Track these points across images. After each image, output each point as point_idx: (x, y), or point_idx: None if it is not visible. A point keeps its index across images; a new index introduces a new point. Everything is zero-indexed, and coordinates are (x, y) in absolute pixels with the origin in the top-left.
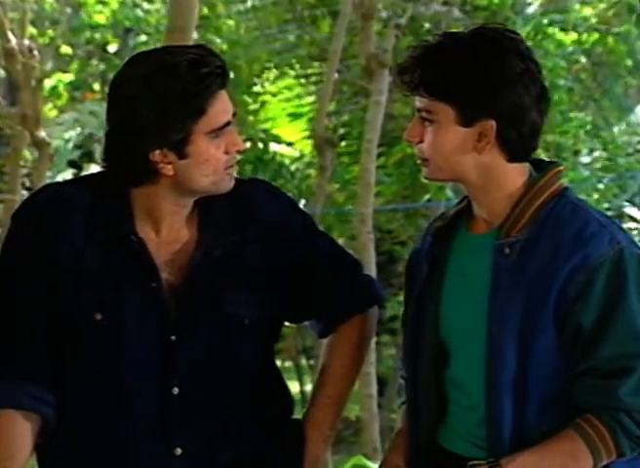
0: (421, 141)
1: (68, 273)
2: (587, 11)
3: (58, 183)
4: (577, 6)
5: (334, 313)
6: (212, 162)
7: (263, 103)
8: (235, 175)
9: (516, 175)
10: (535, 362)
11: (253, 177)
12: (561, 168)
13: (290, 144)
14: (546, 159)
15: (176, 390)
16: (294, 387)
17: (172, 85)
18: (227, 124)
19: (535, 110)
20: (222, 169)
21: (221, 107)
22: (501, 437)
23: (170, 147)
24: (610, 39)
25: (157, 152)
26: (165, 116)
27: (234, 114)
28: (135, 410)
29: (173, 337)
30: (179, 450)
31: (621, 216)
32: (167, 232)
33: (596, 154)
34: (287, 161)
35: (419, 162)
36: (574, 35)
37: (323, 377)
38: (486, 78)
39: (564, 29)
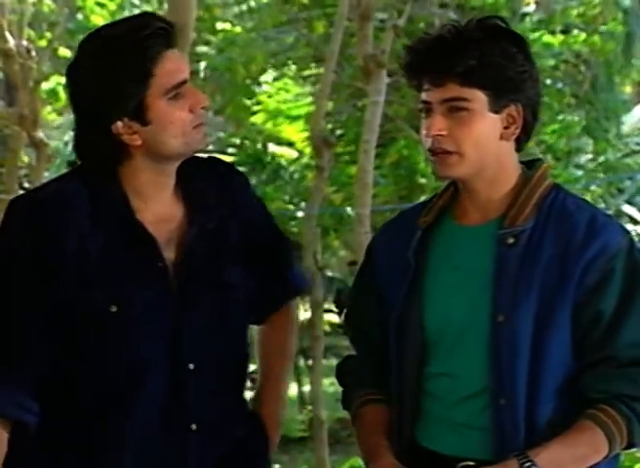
0: (441, 135)
1: (78, 268)
2: (573, 11)
3: (43, 187)
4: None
5: (274, 300)
6: (177, 123)
7: (260, 104)
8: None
9: (515, 168)
10: (551, 350)
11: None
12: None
13: (288, 145)
14: (530, 158)
15: (191, 366)
16: (291, 388)
17: (113, 54)
18: (184, 82)
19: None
20: (190, 128)
21: (172, 66)
22: (516, 424)
23: (130, 116)
24: (596, 38)
25: (119, 124)
26: (114, 85)
27: (191, 73)
28: (152, 390)
29: (182, 314)
30: (194, 426)
31: (620, 217)
32: (159, 209)
33: (589, 156)
34: (284, 162)
35: (431, 159)
36: (560, 36)
37: (267, 365)
38: (515, 64)
39: (551, 31)
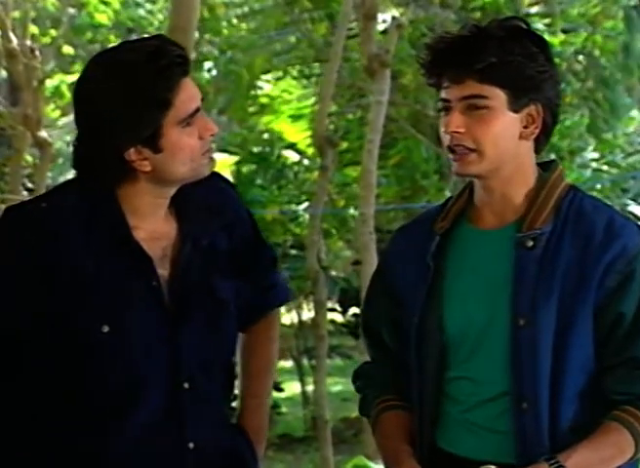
0: (459, 132)
1: (71, 284)
2: (574, 10)
3: (40, 199)
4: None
5: (258, 309)
6: (187, 150)
7: (264, 105)
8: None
9: (533, 169)
10: (572, 353)
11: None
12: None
13: (292, 146)
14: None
15: (186, 385)
16: (295, 387)
17: (133, 82)
18: (197, 110)
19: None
20: (199, 155)
21: (188, 96)
22: (538, 427)
23: (143, 144)
24: (598, 37)
25: (132, 150)
26: (133, 114)
27: (202, 99)
28: (149, 412)
29: (177, 333)
30: (191, 445)
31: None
32: (153, 227)
33: (595, 155)
34: (289, 162)
35: (450, 156)
36: (561, 36)
37: (249, 376)
38: (535, 63)
39: (552, 32)
